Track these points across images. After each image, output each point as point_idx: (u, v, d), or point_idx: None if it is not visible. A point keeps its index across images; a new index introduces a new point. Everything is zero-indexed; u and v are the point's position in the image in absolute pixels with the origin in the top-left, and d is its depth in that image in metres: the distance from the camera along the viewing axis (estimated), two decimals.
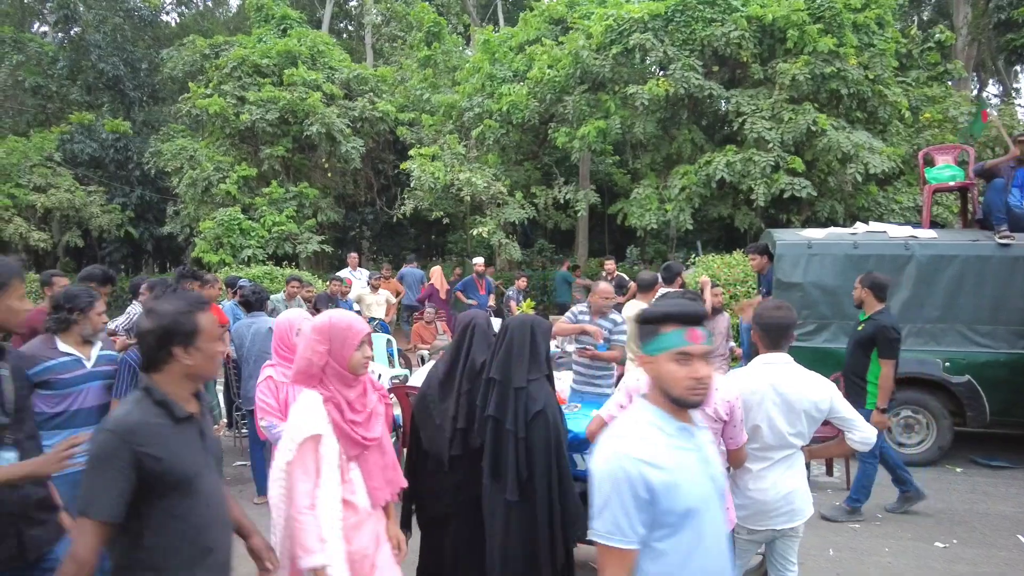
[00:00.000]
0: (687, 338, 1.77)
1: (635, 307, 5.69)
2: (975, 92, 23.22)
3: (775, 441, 2.97)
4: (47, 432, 3.25)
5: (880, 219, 11.11)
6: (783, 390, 2.95)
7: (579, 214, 13.62)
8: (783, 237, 6.84)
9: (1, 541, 2.29)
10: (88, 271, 4.96)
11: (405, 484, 2.75)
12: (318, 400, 2.43)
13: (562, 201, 13.52)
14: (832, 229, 7.16)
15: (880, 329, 4.81)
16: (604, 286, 5.31)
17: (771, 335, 3.12)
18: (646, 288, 5.77)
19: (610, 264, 10.80)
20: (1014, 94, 23.60)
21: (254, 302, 5.52)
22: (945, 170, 7.17)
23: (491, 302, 11.15)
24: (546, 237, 19.84)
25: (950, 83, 14.74)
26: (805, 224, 11.40)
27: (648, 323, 1.84)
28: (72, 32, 20.31)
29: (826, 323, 6.60)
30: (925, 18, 24.50)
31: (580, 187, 14.29)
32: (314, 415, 2.39)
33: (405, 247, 21.23)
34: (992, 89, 25.35)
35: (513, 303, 10.76)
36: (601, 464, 1.73)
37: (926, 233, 6.66)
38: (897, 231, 6.72)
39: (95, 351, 3.43)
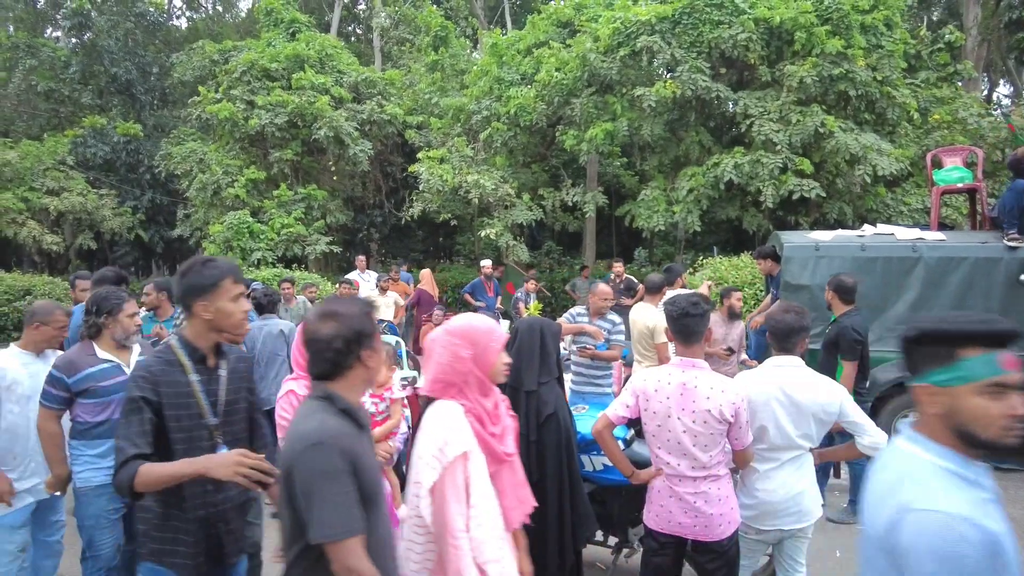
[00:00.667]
0: (1001, 364, 1.40)
1: (643, 309, 5.71)
2: (985, 93, 23.09)
3: (782, 442, 3.00)
4: (89, 441, 3.24)
5: (889, 221, 11.09)
6: (791, 393, 2.98)
7: (587, 216, 13.64)
8: (790, 239, 6.85)
9: (199, 540, 2.22)
10: (101, 273, 5.07)
11: (535, 504, 2.48)
12: (459, 411, 2.19)
13: (570, 203, 13.55)
14: (839, 231, 7.16)
15: (842, 330, 4.87)
16: (602, 287, 5.36)
17: (780, 338, 3.15)
18: (654, 290, 5.79)
19: (618, 266, 10.80)
20: None
21: (266, 304, 5.59)
22: (953, 172, 7.15)
23: (499, 304, 11.20)
24: (554, 239, 19.88)
25: (960, 84, 14.69)
26: (814, 226, 11.39)
27: (939, 344, 1.46)
28: (85, 37, 20.52)
29: None
30: (935, 19, 24.36)
31: (588, 189, 14.34)
32: (461, 429, 2.14)
33: (413, 249, 21.34)
34: (1003, 89, 25.21)
35: (522, 305, 10.79)
36: (925, 535, 1.31)
37: (934, 235, 6.65)
38: (905, 233, 6.71)
39: (134, 356, 3.32)
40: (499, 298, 11.35)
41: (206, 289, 2.19)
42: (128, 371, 3.15)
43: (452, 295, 15.47)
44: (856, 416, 2.99)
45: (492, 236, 12.73)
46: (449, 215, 13.89)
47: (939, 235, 6.68)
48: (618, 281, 10.66)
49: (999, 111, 19.33)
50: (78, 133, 19.07)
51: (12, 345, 3.54)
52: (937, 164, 7.47)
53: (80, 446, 3.28)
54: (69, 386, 3.16)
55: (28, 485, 3.41)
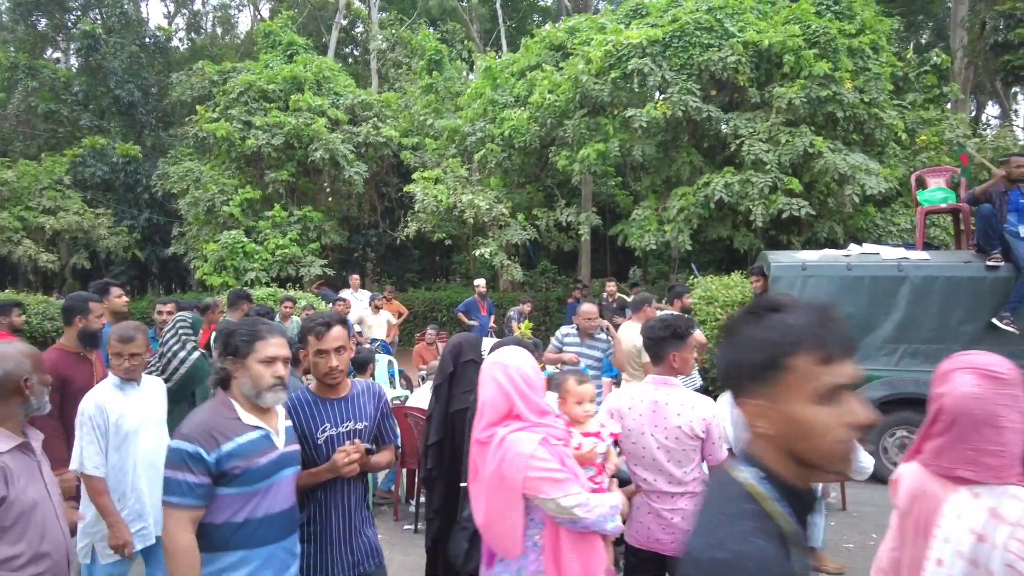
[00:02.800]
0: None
1: (630, 329, 5.76)
2: (973, 114, 23.40)
3: None
4: (213, 555, 2.16)
5: (879, 240, 11.19)
6: None
7: (581, 236, 13.74)
8: (778, 259, 6.93)
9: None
10: (233, 294, 5.05)
11: None
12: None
13: (564, 223, 13.65)
14: (826, 251, 7.25)
15: None
16: (586, 307, 5.42)
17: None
18: (636, 309, 5.85)
19: (611, 286, 10.90)
20: (1014, 116, 23.76)
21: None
22: (937, 192, 7.27)
23: (492, 323, 11.24)
24: (549, 258, 19.97)
25: (948, 105, 14.90)
26: (805, 245, 11.48)
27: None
28: (90, 59, 20.78)
29: None
30: (923, 41, 24.76)
31: (583, 209, 14.44)
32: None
33: (409, 268, 21.42)
34: (992, 111, 25.55)
35: (514, 323, 10.85)
36: None
37: (918, 254, 6.74)
38: (890, 253, 6.80)
39: (281, 421, 2.40)
40: (492, 317, 11.40)
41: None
42: (280, 444, 2.31)
43: (447, 314, 15.52)
44: None
45: (487, 256, 12.80)
46: (444, 235, 13.97)
47: (923, 254, 6.78)
48: (611, 300, 10.75)
49: (988, 131, 19.59)
50: (77, 153, 19.23)
51: (110, 374, 3.23)
52: (922, 184, 7.58)
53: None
54: (211, 467, 2.14)
55: (132, 531, 3.06)
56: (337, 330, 2.53)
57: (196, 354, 4.63)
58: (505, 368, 2.29)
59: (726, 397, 2.94)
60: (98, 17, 22.79)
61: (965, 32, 17.73)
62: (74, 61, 22.08)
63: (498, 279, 16.80)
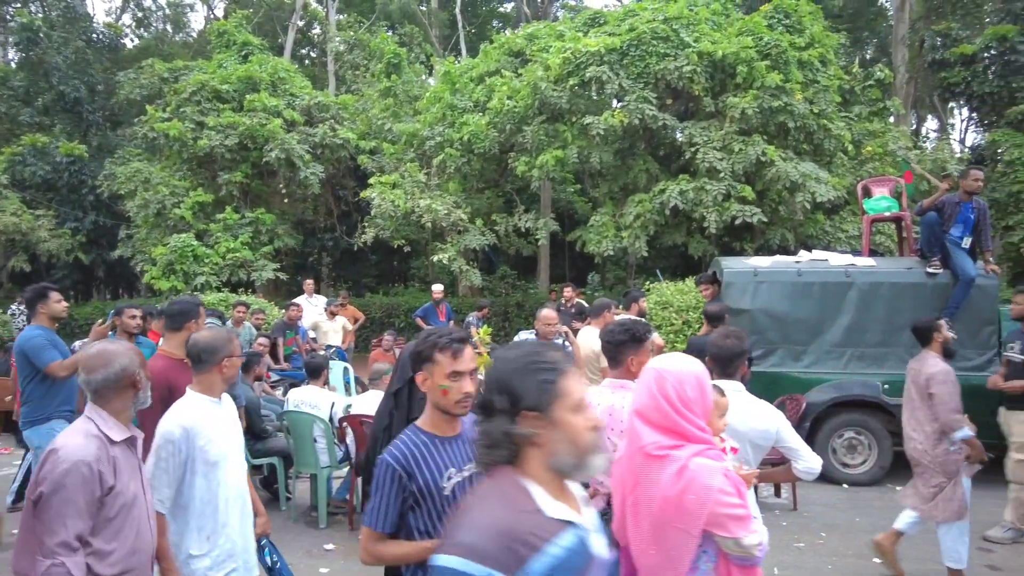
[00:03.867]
0: None
1: (588, 334, 5.79)
2: (913, 127, 24.45)
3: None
4: None
5: (828, 247, 11.54)
6: (728, 417, 3.07)
7: (540, 242, 13.79)
8: (730, 265, 7.08)
9: None
10: (30, 290, 4.81)
11: None
12: None
13: (523, 229, 13.69)
14: (778, 257, 7.43)
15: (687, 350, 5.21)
16: (546, 313, 5.43)
17: (720, 363, 3.25)
18: (596, 314, 5.89)
19: (568, 291, 10.94)
20: (950, 129, 24.90)
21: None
22: (881, 201, 7.54)
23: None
24: (508, 263, 20.00)
25: (892, 118, 15.49)
26: (758, 252, 11.76)
27: None
28: (31, 54, 19.89)
29: (773, 348, 6.82)
30: (868, 56, 25.76)
31: (542, 215, 14.50)
32: None
33: (366, 273, 21.15)
34: (931, 124, 26.73)
35: (473, 329, 10.80)
36: None
37: (865, 261, 6.97)
38: (838, 259, 7.02)
39: (584, 503, 1.56)
40: (451, 322, 11.33)
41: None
42: (599, 543, 1.50)
43: (405, 319, 15.37)
44: (792, 441, 3.05)
45: (445, 261, 12.74)
46: (402, 240, 13.85)
47: (870, 261, 7.02)
48: (569, 306, 10.80)
49: (928, 144, 20.46)
50: (16, 151, 18.37)
51: (188, 390, 2.84)
52: (867, 193, 7.86)
53: None
54: None
55: (222, 574, 2.73)
56: (470, 348, 2.16)
57: None
58: (662, 378, 2.07)
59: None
60: (39, 11, 21.89)
61: (906, 49, 18.49)
62: (13, 55, 21.07)
63: (457, 284, 16.73)
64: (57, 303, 4.72)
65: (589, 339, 5.72)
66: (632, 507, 2.08)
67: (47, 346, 4.52)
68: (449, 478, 2.08)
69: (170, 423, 2.66)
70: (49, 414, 4.58)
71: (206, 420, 2.72)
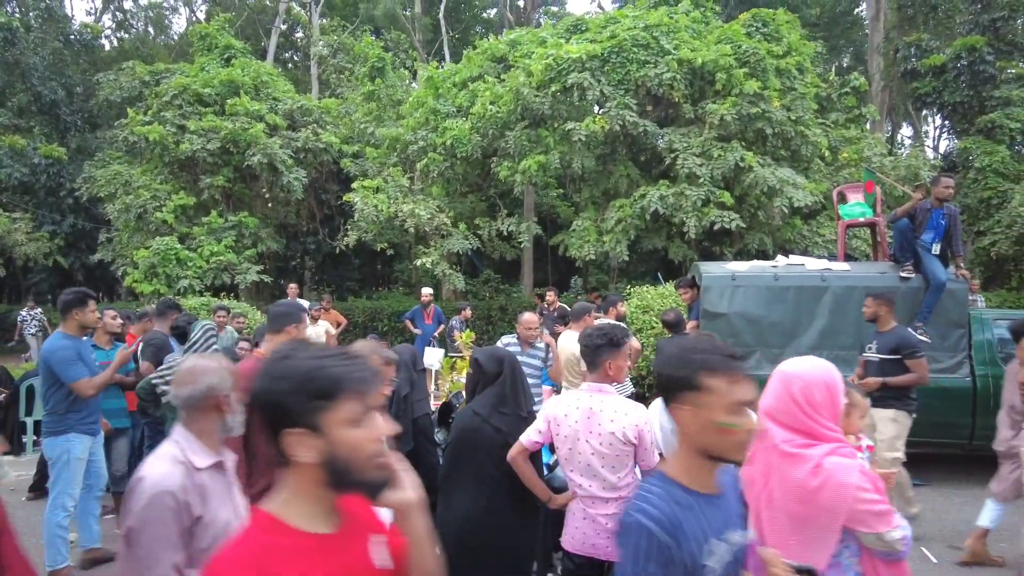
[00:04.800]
0: None
1: (569, 337, 5.87)
2: (889, 134, 24.93)
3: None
4: None
5: (805, 251, 11.75)
6: (651, 416, 3.16)
7: (522, 245, 13.88)
8: (709, 270, 7.20)
9: None
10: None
11: None
12: None
13: (505, 233, 13.77)
14: (756, 262, 7.58)
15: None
16: (527, 317, 5.51)
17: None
18: (576, 318, 5.98)
19: (551, 295, 11.04)
20: (924, 136, 25.41)
21: (189, 332, 5.47)
22: (856, 207, 7.71)
23: (438, 332, 11.24)
24: (492, 267, 20.06)
25: (868, 125, 15.81)
26: (737, 256, 11.94)
27: None
28: (6, 54, 19.65)
29: (750, 351, 6.92)
30: (844, 64, 26.23)
31: (525, 219, 14.59)
32: None
33: (350, 277, 21.09)
34: (906, 131, 27.24)
35: (456, 332, 10.86)
36: None
37: (840, 265, 7.12)
38: (814, 264, 7.17)
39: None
40: (441, 326, 11.39)
41: None
42: None
43: (389, 323, 15.37)
44: None
45: (428, 265, 12.78)
46: (385, 244, 13.87)
47: (845, 265, 7.17)
48: (552, 310, 10.90)
49: (903, 150, 20.85)
50: None
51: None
52: (842, 199, 8.03)
53: None
54: None
55: None
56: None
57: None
58: (789, 381, 2.08)
59: (658, 404, 3.05)
60: (16, 11, 21.62)
61: (881, 58, 18.87)
62: None
63: (441, 288, 16.77)
64: (91, 312, 4.59)
65: (569, 343, 5.81)
66: (767, 501, 2.14)
67: (75, 360, 4.37)
68: (711, 552, 1.56)
69: None
70: (69, 427, 4.42)
71: None
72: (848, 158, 12.94)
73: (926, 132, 25.13)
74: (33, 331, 14.63)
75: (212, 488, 2.11)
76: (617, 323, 3.98)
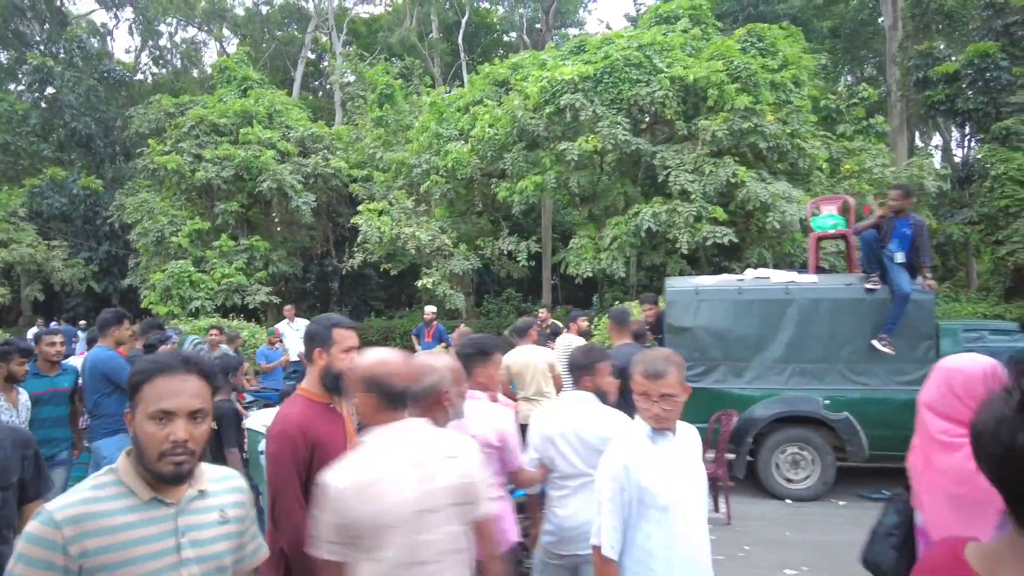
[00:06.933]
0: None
1: (514, 353, 6.02)
2: (920, 143, 24.37)
3: (570, 470, 3.29)
4: None
5: (805, 264, 11.61)
6: (576, 426, 3.29)
7: (520, 263, 14.08)
8: (673, 284, 7.27)
9: None
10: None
11: None
12: None
13: (506, 252, 14.01)
14: (722, 276, 7.60)
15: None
16: (461, 330, 5.68)
17: (574, 375, 3.50)
18: (519, 334, 6.14)
19: (543, 312, 11.25)
20: (942, 146, 24.78)
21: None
22: (828, 219, 7.69)
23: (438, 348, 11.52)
24: (513, 286, 20.29)
25: (880, 135, 15.54)
26: (731, 271, 11.87)
27: None
28: (46, 92, 21.03)
29: (715, 364, 6.94)
30: (866, 74, 25.82)
31: (542, 237, 14.82)
32: None
33: (375, 296, 21.61)
34: (935, 140, 26.57)
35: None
36: None
37: (806, 278, 7.10)
38: (780, 276, 7.16)
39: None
40: (442, 343, 11.67)
41: None
42: None
43: (400, 342, 15.74)
44: None
45: (429, 285, 13.09)
46: (390, 266, 14.26)
47: (811, 278, 7.14)
48: (544, 326, 11.06)
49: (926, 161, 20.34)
50: (36, 184, 19.34)
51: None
52: (816, 212, 8.01)
53: None
54: None
55: None
56: None
57: None
58: (951, 375, 2.27)
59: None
60: (61, 51, 23.08)
61: (897, 67, 18.55)
62: (27, 95, 22.27)
63: (450, 307, 17.05)
64: (126, 330, 5.25)
65: (510, 358, 5.99)
66: (927, 487, 2.32)
67: (126, 366, 4.91)
68: None
69: (613, 460, 2.49)
70: (122, 427, 4.84)
71: (649, 455, 2.51)
72: (850, 170, 12.77)
73: (941, 143, 24.53)
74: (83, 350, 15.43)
75: None
76: (492, 336, 4.15)
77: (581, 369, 3.47)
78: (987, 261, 15.93)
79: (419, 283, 13.42)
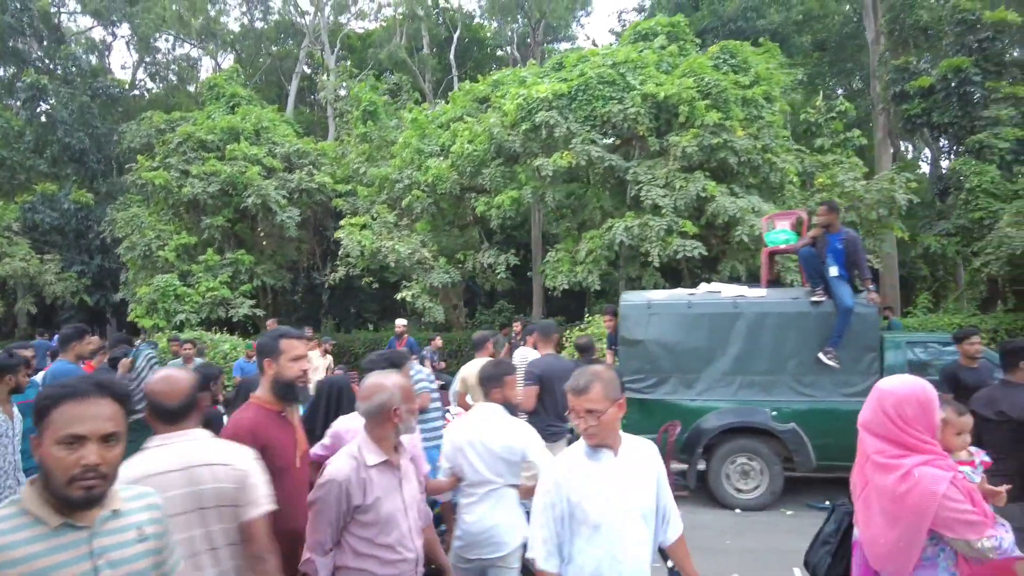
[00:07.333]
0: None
1: (472, 365, 6.20)
2: (908, 155, 24.54)
3: (476, 478, 3.47)
4: None
5: (778, 276, 11.78)
6: (482, 435, 3.48)
7: (499, 275, 14.29)
8: (627, 298, 7.46)
9: None
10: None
11: None
12: None
13: (486, 265, 14.22)
14: (676, 290, 7.80)
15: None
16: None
17: (484, 387, 3.70)
18: (477, 347, 6.32)
19: (517, 325, 11.47)
20: (924, 158, 24.97)
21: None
22: (780, 234, 7.88)
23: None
24: (506, 297, 20.47)
25: (861, 147, 15.73)
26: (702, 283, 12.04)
27: None
28: (39, 109, 21.43)
29: (665, 376, 7.12)
30: (854, 87, 26.07)
31: (535, 249, 15.01)
32: None
33: (367, 308, 21.80)
34: (924, 152, 26.72)
35: (427, 361, 11.29)
36: None
37: (756, 292, 7.28)
38: (730, 291, 7.35)
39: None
40: (413, 355, 11.85)
41: None
42: None
43: None
44: (535, 458, 3.44)
45: (409, 298, 13.31)
46: (371, 279, 14.51)
47: (761, 292, 7.33)
48: (517, 338, 11.26)
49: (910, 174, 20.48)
50: (28, 199, 19.67)
51: None
52: (771, 227, 8.20)
53: None
54: None
55: None
56: None
57: None
58: (883, 397, 2.35)
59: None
60: (58, 68, 23.51)
61: (878, 80, 18.79)
62: (21, 111, 22.70)
63: (432, 318, 17.24)
64: (88, 344, 5.47)
65: (469, 371, 6.16)
66: (864, 502, 2.43)
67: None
68: None
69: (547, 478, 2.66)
70: None
71: (585, 472, 2.55)
72: (823, 183, 12.96)
73: (930, 156, 24.68)
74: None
75: (377, 482, 2.58)
76: (401, 351, 4.33)
77: (490, 381, 3.67)
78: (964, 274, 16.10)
79: (398, 296, 13.64)
